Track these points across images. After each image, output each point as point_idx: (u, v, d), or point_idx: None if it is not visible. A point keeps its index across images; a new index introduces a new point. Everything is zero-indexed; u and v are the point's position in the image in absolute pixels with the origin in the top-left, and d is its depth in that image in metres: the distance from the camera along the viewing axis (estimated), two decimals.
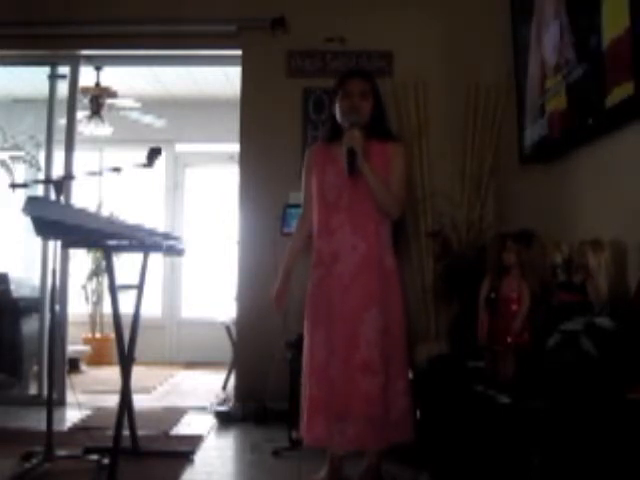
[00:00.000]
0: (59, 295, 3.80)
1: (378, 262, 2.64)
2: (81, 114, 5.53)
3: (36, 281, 4.60)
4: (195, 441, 3.48)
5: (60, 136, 4.50)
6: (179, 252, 3.39)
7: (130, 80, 6.02)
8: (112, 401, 3.70)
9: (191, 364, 6.45)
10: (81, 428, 3.68)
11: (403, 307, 2.69)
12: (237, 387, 4.13)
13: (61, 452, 2.93)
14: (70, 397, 4.22)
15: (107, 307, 6.01)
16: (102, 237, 2.83)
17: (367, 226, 2.64)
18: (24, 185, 3.35)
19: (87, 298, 6.62)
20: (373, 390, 2.52)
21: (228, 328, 5.18)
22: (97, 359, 6.31)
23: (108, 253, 2.93)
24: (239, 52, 4.24)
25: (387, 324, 2.60)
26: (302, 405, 2.66)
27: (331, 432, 2.55)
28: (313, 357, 2.62)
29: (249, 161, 4.20)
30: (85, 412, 3.96)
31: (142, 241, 2.94)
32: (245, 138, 4.21)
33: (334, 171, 2.67)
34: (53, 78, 4.52)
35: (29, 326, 4.58)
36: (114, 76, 5.61)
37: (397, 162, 2.71)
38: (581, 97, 2.68)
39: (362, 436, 2.54)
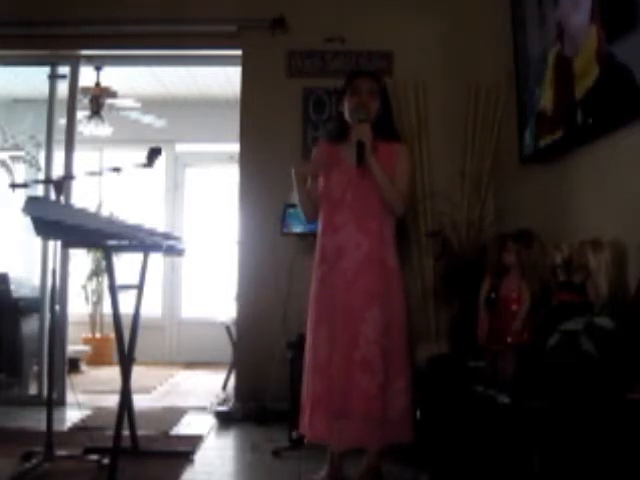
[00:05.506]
0: (59, 295, 3.80)
1: (381, 261, 2.65)
2: (81, 114, 5.53)
3: (36, 281, 4.60)
4: (195, 441, 3.47)
5: (60, 136, 4.50)
6: (179, 252, 3.39)
7: (130, 80, 6.02)
8: (112, 401, 3.70)
9: (191, 364, 6.45)
10: (81, 428, 3.68)
11: (405, 307, 2.70)
12: (237, 387, 4.12)
13: (61, 452, 2.92)
14: (70, 397, 4.21)
15: (107, 307, 6.00)
16: (102, 237, 2.82)
17: (371, 224, 2.66)
18: (24, 185, 3.34)
19: (87, 298, 6.62)
20: (372, 389, 2.53)
21: (228, 328, 5.18)
22: (97, 359, 6.31)
23: (108, 253, 2.93)
24: (239, 52, 4.23)
25: (388, 323, 2.60)
26: (303, 401, 2.67)
27: (331, 429, 2.56)
28: (316, 354, 2.63)
29: (249, 161, 4.19)
30: (85, 412, 3.95)
31: (142, 241, 2.94)
32: (245, 138, 4.21)
33: (339, 170, 2.70)
34: (53, 78, 4.51)
35: (29, 326, 4.57)
36: (114, 76, 5.61)
37: (403, 162, 2.74)
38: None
39: (361, 434, 2.55)
